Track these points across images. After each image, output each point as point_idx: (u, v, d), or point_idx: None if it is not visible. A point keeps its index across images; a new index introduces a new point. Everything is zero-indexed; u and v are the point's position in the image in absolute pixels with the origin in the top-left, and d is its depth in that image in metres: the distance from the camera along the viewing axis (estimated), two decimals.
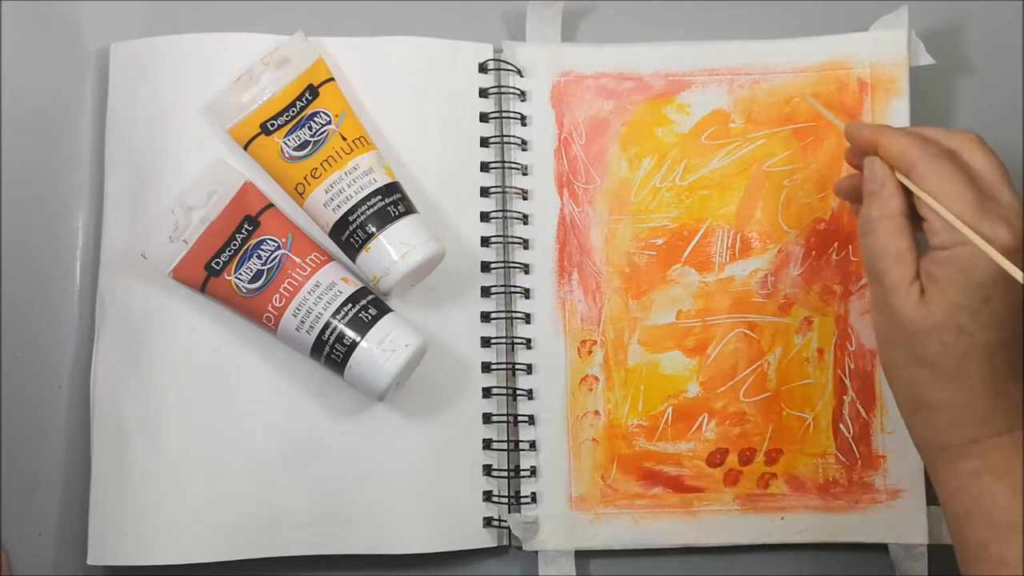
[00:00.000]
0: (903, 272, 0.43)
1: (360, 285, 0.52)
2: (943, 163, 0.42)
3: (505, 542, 0.55)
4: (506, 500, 0.54)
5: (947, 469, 0.43)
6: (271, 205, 0.53)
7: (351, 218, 0.51)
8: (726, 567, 0.56)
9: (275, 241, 0.52)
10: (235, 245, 0.52)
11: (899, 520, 0.55)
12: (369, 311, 0.51)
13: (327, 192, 0.51)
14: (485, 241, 0.56)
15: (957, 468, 0.43)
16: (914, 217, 0.44)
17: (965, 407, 0.42)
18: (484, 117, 0.57)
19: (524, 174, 0.57)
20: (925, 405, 0.43)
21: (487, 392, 0.55)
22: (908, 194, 0.44)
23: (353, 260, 0.52)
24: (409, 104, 0.56)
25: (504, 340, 0.56)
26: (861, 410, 0.56)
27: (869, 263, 0.45)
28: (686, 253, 0.56)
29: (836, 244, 0.56)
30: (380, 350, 0.50)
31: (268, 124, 0.53)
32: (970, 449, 0.43)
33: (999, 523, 0.41)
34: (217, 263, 0.52)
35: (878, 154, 0.45)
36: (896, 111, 0.56)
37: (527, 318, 0.56)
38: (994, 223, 0.41)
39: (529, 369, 0.56)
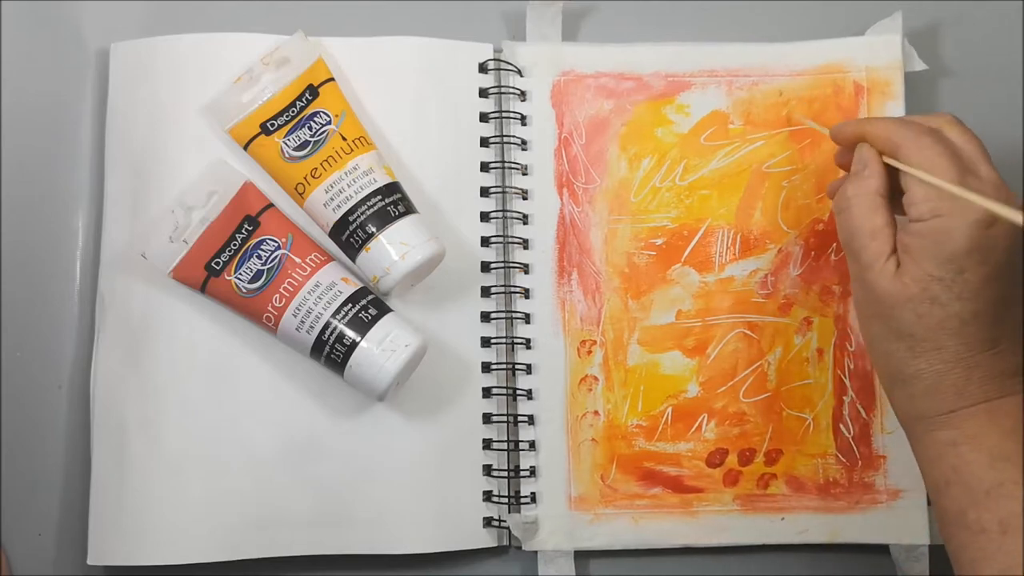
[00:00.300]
0: (879, 248, 0.44)
1: (360, 285, 0.52)
2: (927, 140, 0.44)
3: (505, 542, 0.55)
4: (506, 500, 0.54)
5: (925, 439, 0.44)
6: (271, 205, 0.53)
7: (351, 218, 0.51)
8: (726, 567, 0.56)
9: (275, 241, 0.52)
10: (235, 245, 0.52)
11: (900, 521, 0.55)
12: (369, 311, 0.51)
13: (327, 192, 0.51)
14: (485, 241, 0.56)
15: (935, 438, 0.44)
16: (893, 197, 0.45)
17: (941, 378, 0.43)
18: (484, 117, 0.57)
19: (524, 174, 0.57)
20: (903, 377, 0.44)
21: (487, 392, 0.55)
22: (887, 176, 0.45)
23: (353, 260, 0.52)
24: (409, 104, 0.56)
25: (504, 340, 0.56)
26: (861, 410, 0.56)
27: (846, 240, 0.46)
28: (686, 253, 0.56)
29: (835, 244, 0.56)
30: (380, 350, 0.50)
31: (268, 124, 0.53)
32: (947, 419, 0.43)
33: (976, 491, 0.42)
34: (217, 263, 0.52)
35: (866, 142, 0.47)
36: (891, 114, 0.57)
37: (527, 318, 0.56)
38: None
39: (529, 369, 0.56)
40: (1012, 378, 0.44)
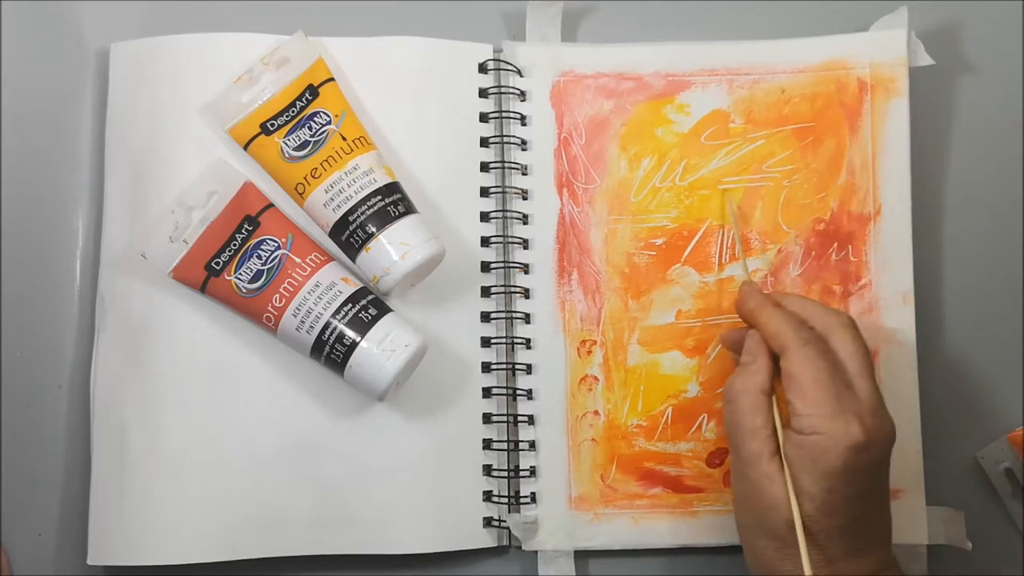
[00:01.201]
0: (756, 448, 0.46)
1: (360, 285, 0.52)
2: (811, 350, 0.46)
3: (505, 542, 0.55)
4: (506, 500, 0.54)
5: None
6: (271, 205, 0.53)
7: (351, 218, 0.51)
8: (726, 567, 0.56)
9: (275, 241, 0.52)
10: (235, 245, 0.52)
11: (899, 520, 0.54)
12: (369, 311, 0.51)
13: (327, 192, 0.51)
14: (485, 241, 0.56)
15: None
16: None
17: None
18: (484, 117, 0.57)
19: (524, 174, 0.57)
20: (769, 571, 0.46)
21: (487, 392, 0.55)
22: (773, 371, 0.47)
23: (353, 260, 0.52)
24: (409, 104, 0.56)
25: (504, 340, 0.56)
26: None
27: (728, 431, 0.47)
28: (686, 253, 0.56)
29: (836, 244, 0.56)
30: (380, 350, 0.50)
31: (268, 124, 0.53)
32: None
33: None
34: (217, 263, 0.52)
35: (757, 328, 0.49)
36: (896, 111, 0.56)
37: (527, 318, 0.56)
38: (848, 420, 0.44)
39: (529, 369, 0.56)
40: None
